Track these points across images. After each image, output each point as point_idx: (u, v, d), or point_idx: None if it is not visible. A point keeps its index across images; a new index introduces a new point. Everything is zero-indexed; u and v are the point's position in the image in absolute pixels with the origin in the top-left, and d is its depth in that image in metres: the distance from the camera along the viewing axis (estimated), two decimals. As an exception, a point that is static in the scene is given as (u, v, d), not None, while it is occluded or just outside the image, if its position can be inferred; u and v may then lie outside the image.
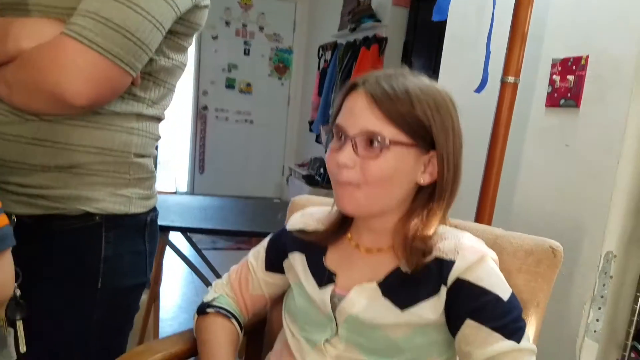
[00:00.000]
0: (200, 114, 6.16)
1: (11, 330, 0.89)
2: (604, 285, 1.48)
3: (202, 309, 1.04)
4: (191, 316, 1.06)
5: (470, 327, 0.80)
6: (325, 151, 0.90)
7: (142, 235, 1.08)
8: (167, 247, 2.38)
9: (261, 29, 6.18)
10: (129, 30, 0.87)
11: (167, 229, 2.01)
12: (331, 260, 0.96)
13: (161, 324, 2.72)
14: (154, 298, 2.48)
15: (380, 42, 4.08)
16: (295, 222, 1.06)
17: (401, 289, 0.86)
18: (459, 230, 0.91)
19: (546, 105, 1.68)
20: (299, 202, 1.24)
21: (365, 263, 0.92)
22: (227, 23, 6.05)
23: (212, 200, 2.71)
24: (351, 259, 0.94)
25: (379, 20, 4.19)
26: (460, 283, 0.82)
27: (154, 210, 1.12)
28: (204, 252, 2.54)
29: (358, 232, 0.95)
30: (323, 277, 0.94)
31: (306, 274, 0.97)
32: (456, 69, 2.16)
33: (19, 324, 0.88)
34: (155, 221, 1.13)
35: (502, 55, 1.57)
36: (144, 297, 2.03)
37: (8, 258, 0.80)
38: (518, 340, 0.78)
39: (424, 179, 0.86)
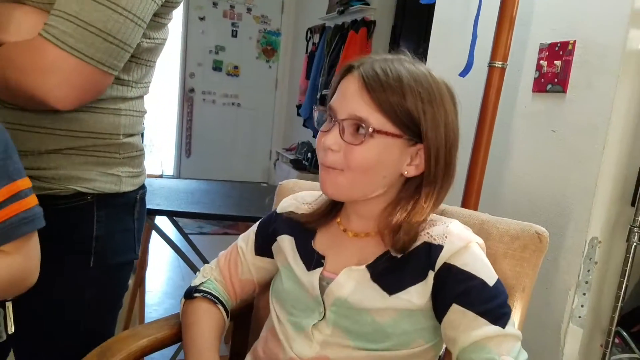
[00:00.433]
0: (187, 97, 6.10)
1: (0, 311, 0.88)
2: (588, 271, 1.49)
3: (189, 294, 1.03)
4: (177, 301, 1.06)
5: (456, 312, 0.80)
6: (316, 133, 0.90)
7: (132, 213, 1.10)
8: (153, 232, 2.36)
9: (249, 10, 6.12)
10: (110, 34, 0.86)
11: (153, 213, 2.00)
12: (320, 243, 0.96)
13: (147, 310, 2.72)
14: (140, 283, 2.47)
15: (369, 25, 4.05)
16: (286, 204, 1.05)
17: (389, 273, 0.86)
18: (447, 218, 0.91)
19: (533, 91, 1.68)
20: (287, 186, 1.23)
21: (354, 247, 0.92)
22: (215, 4, 5.98)
23: (198, 184, 2.69)
24: (340, 243, 0.94)
25: (367, 4, 4.16)
26: (447, 268, 0.82)
27: (142, 187, 1.13)
28: (191, 237, 2.52)
29: (347, 216, 0.95)
30: (312, 260, 0.94)
31: (295, 257, 0.97)
32: (444, 53, 2.16)
33: (8, 305, 0.88)
34: (144, 199, 1.15)
35: (490, 40, 1.57)
36: (130, 281, 2.02)
37: (37, 241, 0.81)
38: (503, 326, 0.78)
39: (409, 171, 0.86)
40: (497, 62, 1.54)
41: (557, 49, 1.58)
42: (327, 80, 4.28)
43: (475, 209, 1.59)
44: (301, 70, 5.29)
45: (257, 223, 1.10)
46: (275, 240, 1.02)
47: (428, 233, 0.86)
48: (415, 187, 0.87)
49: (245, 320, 1.21)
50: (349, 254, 0.92)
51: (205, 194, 2.37)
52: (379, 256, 0.88)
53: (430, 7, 2.23)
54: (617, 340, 1.48)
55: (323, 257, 0.94)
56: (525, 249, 0.95)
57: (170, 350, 2.03)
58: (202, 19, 5.96)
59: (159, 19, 1.01)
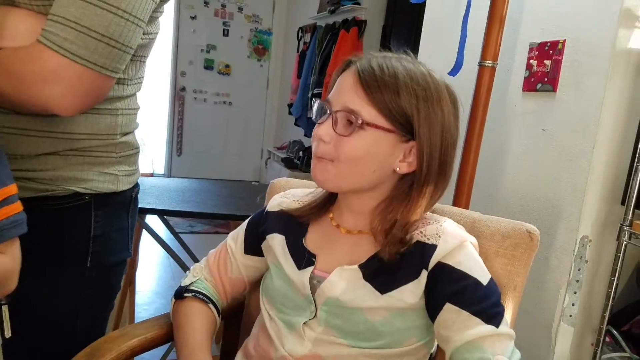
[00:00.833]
0: (178, 95, 6.08)
1: None
2: (579, 269, 1.50)
3: (180, 293, 1.03)
4: (167, 301, 1.05)
5: (449, 312, 0.80)
6: (307, 132, 0.90)
7: (127, 211, 1.10)
8: (144, 231, 2.35)
9: (240, 9, 6.11)
10: (112, 38, 0.85)
11: (143, 212, 1.99)
12: (311, 240, 0.96)
13: (137, 309, 2.70)
14: (130, 282, 2.46)
15: (360, 24, 4.06)
16: (276, 202, 1.05)
17: (382, 272, 0.86)
18: (440, 216, 0.91)
19: (523, 90, 1.68)
20: (278, 185, 1.23)
21: (346, 244, 0.92)
22: (206, 3, 5.97)
23: (189, 182, 2.67)
24: (332, 240, 0.94)
25: (358, 3, 4.17)
26: (440, 267, 0.82)
27: (137, 185, 1.13)
28: (181, 236, 2.52)
29: (340, 212, 0.95)
30: (303, 258, 0.94)
31: (285, 256, 0.96)
32: (435, 52, 2.16)
33: (4, 309, 0.87)
34: (137, 197, 1.15)
35: (480, 39, 1.57)
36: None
37: (18, 246, 0.81)
38: (497, 325, 0.78)
39: (401, 168, 0.86)
40: (487, 62, 1.55)
41: (547, 48, 1.58)
42: (318, 79, 4.28)
43: (467, 207, 1.59)
44: (292, 69, 5.29)
45: (247, 221, 1.09)
46: (265, 238, 1.02)
47: (421, 232, 0.86)
48: (409, 186, 0.87)
49: (235, 319, 1.20)
50: (341, 252, 0.92)
51: (196, 193, 2.36)
52: (371, 255, 0.88)
53: (421, 7, 2.23)
54: (607, 339, 1.48)
55: (314, 256, 0.93)
56: (516, 247, 0.95)
57: (160, 351, 2.02)
58: (193, 17, 5.95)
59: (153, 13, 1.00)
